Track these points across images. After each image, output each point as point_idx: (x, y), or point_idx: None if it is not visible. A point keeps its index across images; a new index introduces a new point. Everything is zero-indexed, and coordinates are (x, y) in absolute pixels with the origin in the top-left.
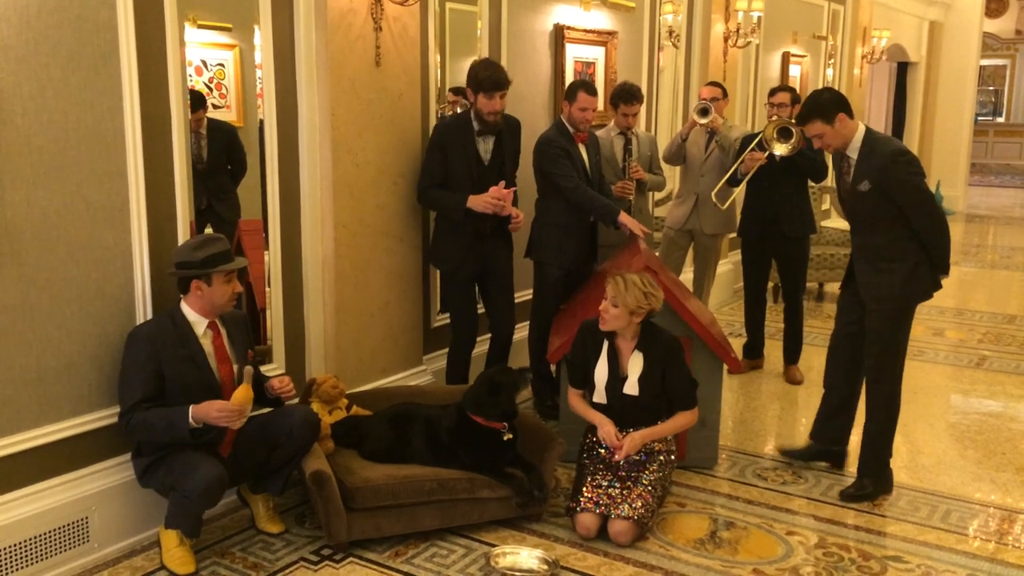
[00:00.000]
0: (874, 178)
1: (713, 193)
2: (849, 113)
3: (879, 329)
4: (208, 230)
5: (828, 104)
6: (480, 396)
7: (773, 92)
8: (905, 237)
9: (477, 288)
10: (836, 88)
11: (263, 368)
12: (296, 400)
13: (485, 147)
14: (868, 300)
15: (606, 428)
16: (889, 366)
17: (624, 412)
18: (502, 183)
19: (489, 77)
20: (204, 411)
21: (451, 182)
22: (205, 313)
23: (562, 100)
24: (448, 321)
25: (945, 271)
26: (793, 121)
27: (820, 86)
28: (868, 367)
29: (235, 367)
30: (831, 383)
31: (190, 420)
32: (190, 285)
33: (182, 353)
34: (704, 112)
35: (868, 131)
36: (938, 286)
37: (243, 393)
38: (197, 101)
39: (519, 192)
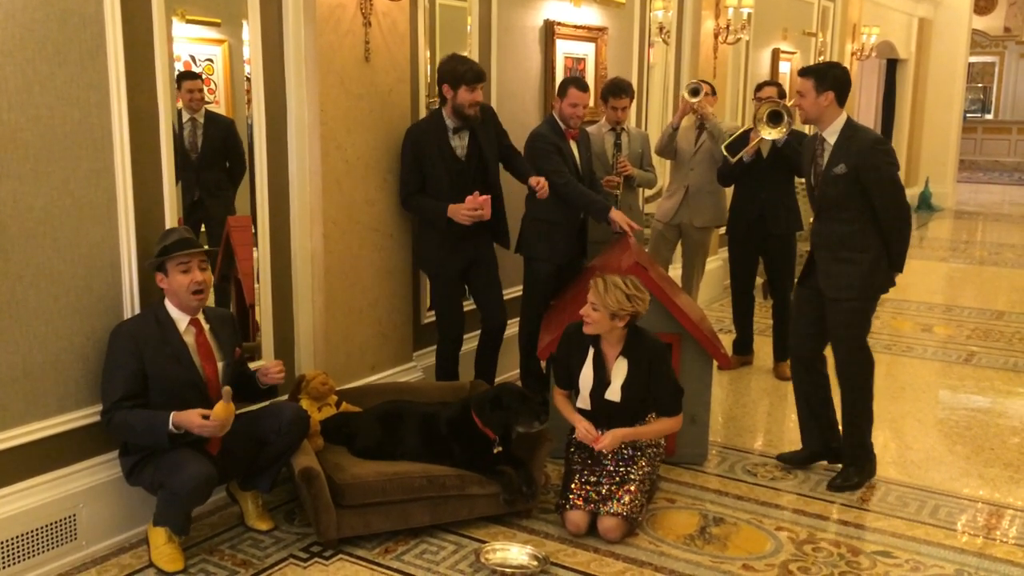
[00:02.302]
0: (851, 162)
1: (723, 146)
2: (840, 99)
3: (844, 323)
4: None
5: (829, 77)
6: (484, 401)
7: (760, 87)
8: (870, 228)
9: (465, 285)
10: None
11: (252, 365)
12: (285, 396)
13: (460, 143)
14: (829, 291)
15: (581, 426)
16: (857, 359)
17: (607, 418)
18: (476, 192)
19: (470, 70)
20: (186, 421)
21: (430, 184)
22: (181, 308)
23: (553, 96)
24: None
25: (899, 267)
26: (786, 106)
27: None
28: (838, 362)
29: (220, 365)
30: (802, 386)
31: (170, 427)
32: (156, 280)
33: (165, 350)
34: (695, 92)
35: (851, 120)
36: (893, 282)
37: (223, 410)
38: (190, 74)
39: (505, 184)
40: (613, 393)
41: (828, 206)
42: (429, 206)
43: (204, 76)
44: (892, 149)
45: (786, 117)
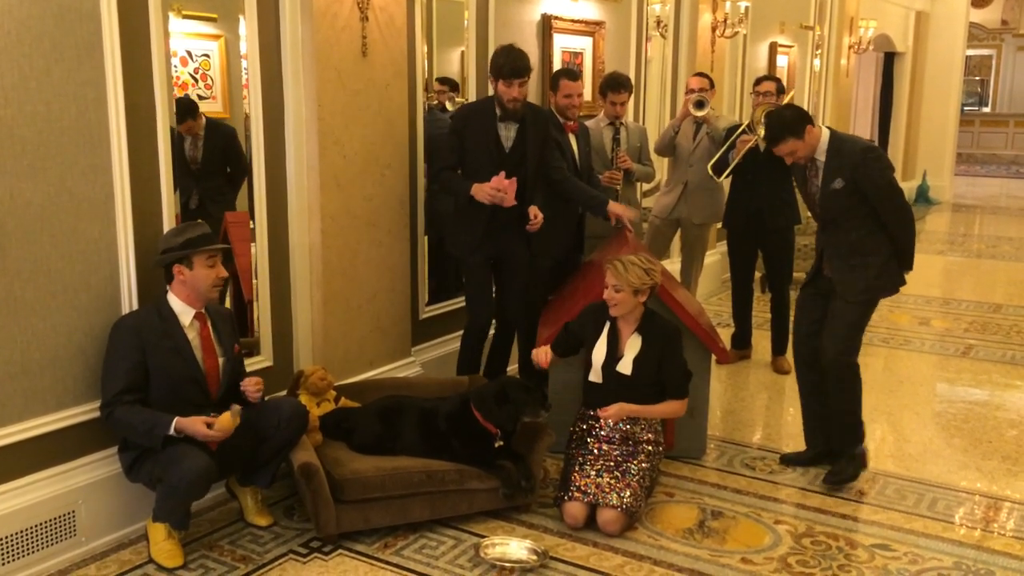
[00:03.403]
0: (847, 175)
1: (709, 165)
2: (812, 122)
3: (849, 315)
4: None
5: (795, 121)
6: (487, 396)
7: (758, 81)
8: (877, 232)
9: (493, 274)
10: (822, 79)
11: (250, 361)
12: (284, 391)
13: (507, 134)
14: (846, 295)
15: (539, 350)
16: (853, 348)
17: (617, 392)
18: (502, 173)
19: (507, 64)
20: (189, 427)
21: (469, 166)
22: (191, 301)
23: (550, 90)
24: (438, 312)
25: (909, 266)
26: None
27: (807, 77)
28: (835, 349)
29: (221, 361)
30: (808, 387)
31: (171, 431)
32: (173, 271)
33: (167, 344)
34: (700, 105)
35: (832, 132)
36: (903, 281)
37: (229, 423)
38: (188, 110)
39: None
40: (625, 366)
41: (832, 219)
42: (457, 181)
43: (201, 72)
44: (883, 154)
45: None
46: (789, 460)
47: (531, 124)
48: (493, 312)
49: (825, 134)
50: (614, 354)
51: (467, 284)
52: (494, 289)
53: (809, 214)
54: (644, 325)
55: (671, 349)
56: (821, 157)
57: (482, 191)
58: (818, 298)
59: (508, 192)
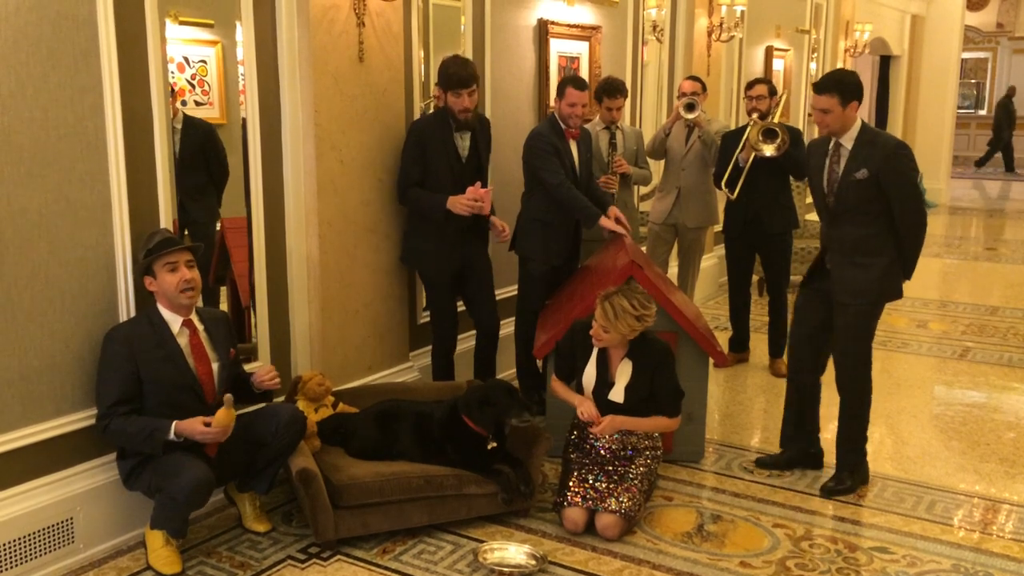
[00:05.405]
0: (874, 167)
1: (722, 183)
2: (860, 103)
3: (852, 325)
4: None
5: (851, 86)
6: (471, 401)
7: (751, 85)
8: (885, 232)
9: (458, 288)
10: None
11: (247, 367)
12: (282, 397)
13: (463, 144)
14: (842, 295)
15: (585, 405)
16: (862, 361)
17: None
18: (478, 183)
19: (455, 74)
20: (188, 429)
21: (431, 180)
22: (173, 310)
23: (547, 95)
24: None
25: (909, 274)
26: (776, 122)
27: (803, 80)
28: (841, 364)
29: (215, 366)
30: (797, 387)
31: (171, 435)
32: (145, 284)
33: (159, 353)
34: (691, 107)
35: (865, 123)
36: (901, 290)
37: (225, 416)
38: None
39: (501, 183)
40: (616, 394)
41: (844, 210)
42: (428, 198)
43: (198, 78)
44: (913, 154)
45: (779, 131)
46: (765, 463)
47: (480, 132)
48: (457, 327)
49: (858, 122)
50: (605, 379)
51: (431, 305)
52: (465, 304)
53: (806, 217)
54: (634, 349)
55: (663, 370)
56: (848, 144)
57: (459, 203)
58: (818, 298)
59: (485, 200)
